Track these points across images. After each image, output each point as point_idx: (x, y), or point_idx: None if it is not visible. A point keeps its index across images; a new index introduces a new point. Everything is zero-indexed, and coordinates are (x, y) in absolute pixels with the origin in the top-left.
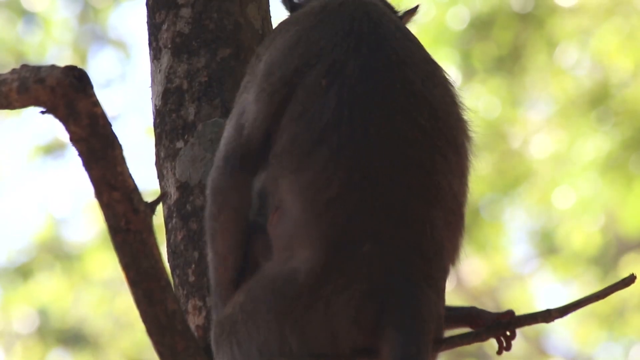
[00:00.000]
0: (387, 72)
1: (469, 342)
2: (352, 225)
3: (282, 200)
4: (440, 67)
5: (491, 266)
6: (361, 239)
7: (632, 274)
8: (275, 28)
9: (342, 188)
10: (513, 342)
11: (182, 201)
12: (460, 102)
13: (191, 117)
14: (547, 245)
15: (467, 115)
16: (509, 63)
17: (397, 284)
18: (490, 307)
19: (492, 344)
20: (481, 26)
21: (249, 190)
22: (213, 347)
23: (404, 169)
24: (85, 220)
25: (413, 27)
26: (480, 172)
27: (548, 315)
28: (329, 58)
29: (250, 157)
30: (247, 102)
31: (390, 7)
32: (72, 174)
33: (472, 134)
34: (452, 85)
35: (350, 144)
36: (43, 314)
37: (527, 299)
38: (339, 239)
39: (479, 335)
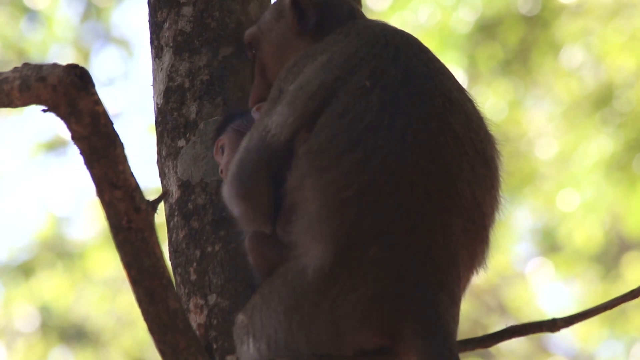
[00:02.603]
0: (427, 78)
1: (472, 348)
2: (361, 227)
3: (303, 198)
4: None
5: (493, 264)
6: (369, 241)
7: None
8: (292, 62)
9: (360, 189)
10: (515, 341)
11: (184, 200)
12: (487, 117)
13: (193, 116)
14: (549, 244)
15: (494, 132)
16: (514, 65)
17: (408, 289)
18: (492, 305)
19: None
20: (486, 29)
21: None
22: (235, 339)
23: (429, 174)
24: (86, 218)
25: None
26: None
27: (554, 325)
28: (370, 65)
29: (274, 159)
30: (274, 113)
31: None
32: (74, 172)
33: (500, 150)
34: (476, 102)
35: (384, 148)
36: (45, 311)
37: (528, 297)
38: (347, 239)
39: (482, 342)
